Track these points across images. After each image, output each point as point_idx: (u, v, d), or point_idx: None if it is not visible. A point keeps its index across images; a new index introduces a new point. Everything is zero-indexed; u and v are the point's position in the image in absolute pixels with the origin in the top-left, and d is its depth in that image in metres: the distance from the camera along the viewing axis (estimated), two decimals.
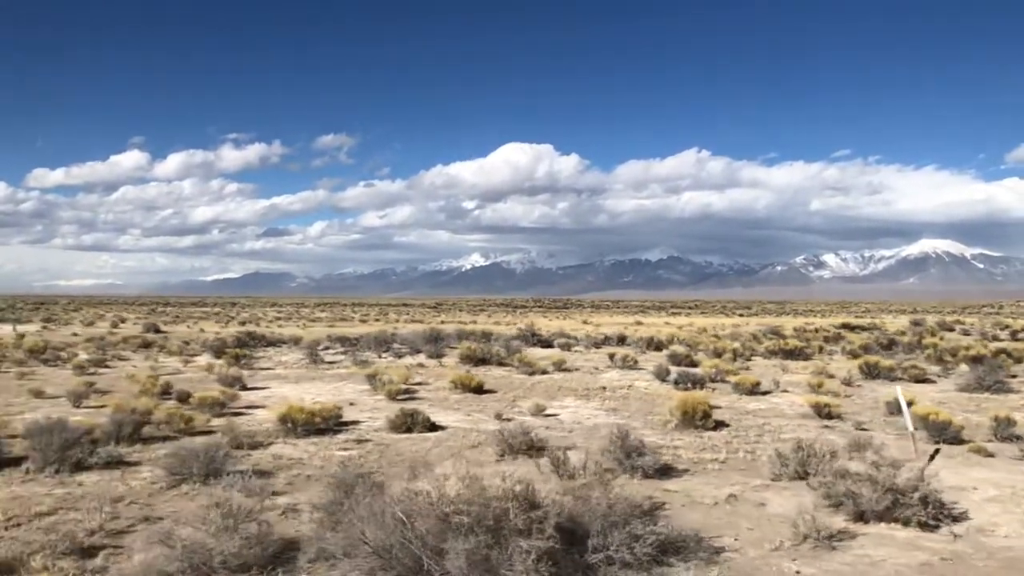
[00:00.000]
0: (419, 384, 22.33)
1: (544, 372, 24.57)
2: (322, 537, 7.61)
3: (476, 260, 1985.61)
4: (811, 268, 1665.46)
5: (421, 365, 26.61)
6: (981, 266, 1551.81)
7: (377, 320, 78.26)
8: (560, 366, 25.47)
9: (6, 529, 8.62)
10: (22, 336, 46.00)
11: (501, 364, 26.16)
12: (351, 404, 19.07)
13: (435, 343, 30.38)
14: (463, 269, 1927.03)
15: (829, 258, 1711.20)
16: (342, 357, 29.63)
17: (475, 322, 75.26)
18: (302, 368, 26.72)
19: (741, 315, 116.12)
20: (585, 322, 74.82)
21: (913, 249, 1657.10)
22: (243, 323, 64.37)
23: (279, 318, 79.55)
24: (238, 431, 14.31)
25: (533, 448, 13.14)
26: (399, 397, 19.72)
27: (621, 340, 36.45)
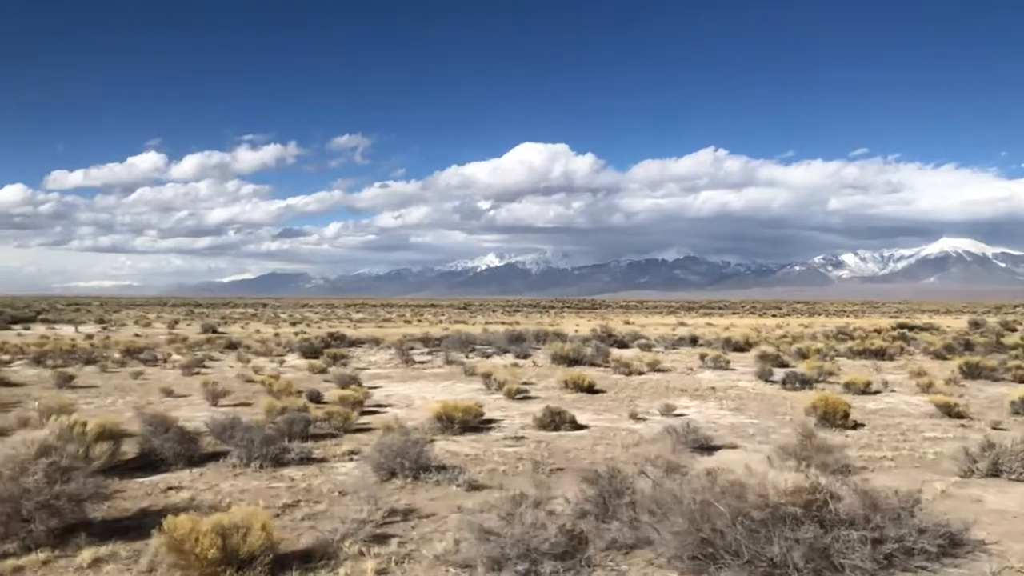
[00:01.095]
0: (527, 384, 22.74)
1: (640, 372, 24.90)
2: (605, 528, 7.99)
3: (491, 260, 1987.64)
4: (830, 268, 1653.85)
5: (515, 365, 27.03)
6: (1003, 265, 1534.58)
7: (419, 321, 78.87)
8: (655, 366, 25.79)
9: (277, 517, 9.07)
10: (91, 336, 46.99)
11: (593, 365, 26.52)
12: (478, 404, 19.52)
13: (519, 343, 30.80)
14: (478, 269, 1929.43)
15: (848, 257, 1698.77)
16: (429, 357, 30.12)
17: (517, 323, 75.70)
18: (397, 368, 27.21)
19: (773, 316, 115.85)
20: (627, 323, 75.02)
21: (933, 248, 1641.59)
22: (294, 323, 65.12)
23: (322, 319, 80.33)
24: (399, 428, 14.76)
25: (705, 447, 13.54)
26: (517, 396, 20.14)
27: (693, 341, 36.72)
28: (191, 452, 12.61)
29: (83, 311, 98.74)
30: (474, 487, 10.84)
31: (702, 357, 27.49)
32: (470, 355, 30.38)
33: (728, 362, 26.60)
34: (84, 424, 11.94)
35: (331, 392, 19.36)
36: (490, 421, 16.75)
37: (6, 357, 28.56)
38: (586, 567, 7.25)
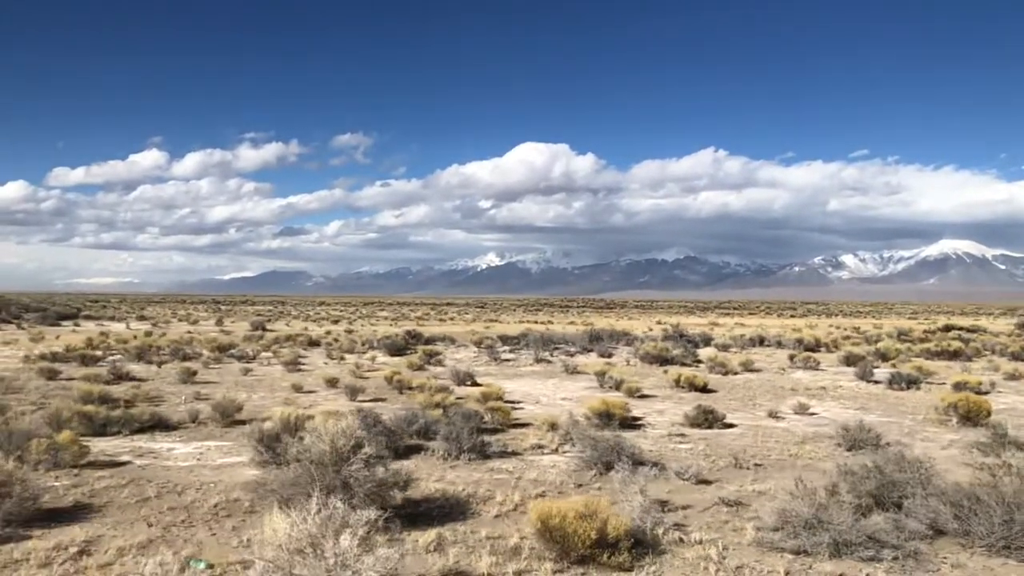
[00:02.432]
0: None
1: (735, 372, 25.37)
2: (893, 517, 8.48)
3: (491, 260, 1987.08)
4: (829, 269, 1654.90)
5: (608, 364, 27.50)
6: (1003, 267, 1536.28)
7: (450, 320, 79.27)
8: (747, 367, 26.27)
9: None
10: (148, 334, 47.37)
11: (683, 364, 26.99)
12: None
13: (598, 343, 31.31)
14: (479, 269, 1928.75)
15: (847, 259, 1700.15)
16: (513, 355, 30.60)
17: (551, 322, 76.15)
18: (488, 365, 27.66)
19: (792, 316, 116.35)
20: (659, 322, 75.46)
21: (933, 250, 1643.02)
22: (335, 321, 65.55)
23: (357, 317, 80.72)
24: (572, 424, 15.24)
25: (876, 444, 14.02)
26: (637, 395, 20.62)
27: (760, 342, 37.23)
28: (396, 445, 13.12)
29: (110, 308, 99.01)
30: (701, 481, 11.32)
31: (791, 358, 27.97)
32: (554, 353, 30.82)
33: (818, 363, 27.07)
34: (311, 418, 12.40)
35: (484, 388, 19.82)
36: (635, 419, 17.22)
37: (99, 353, 28.95)
38: (911, 554, 7.72)
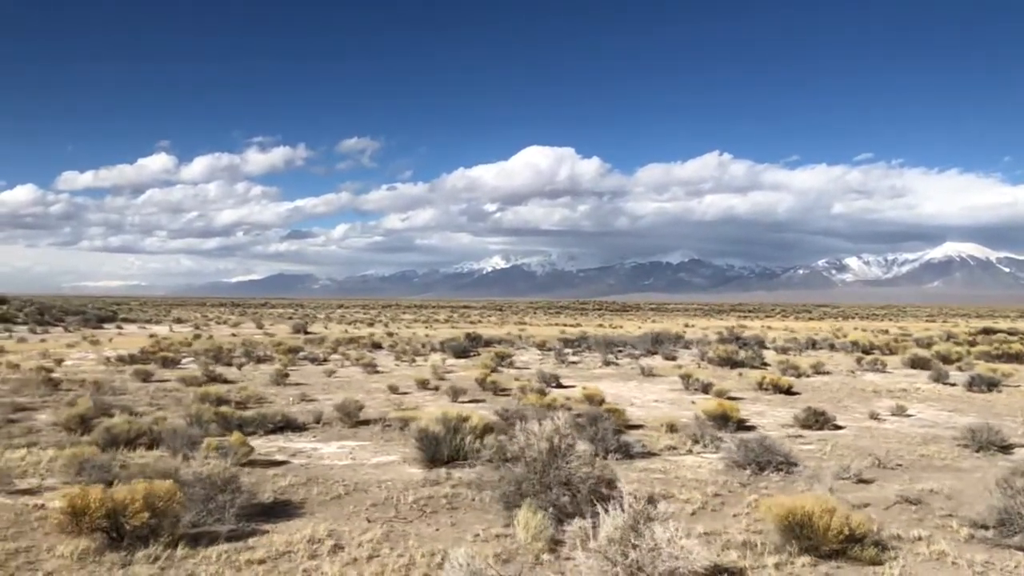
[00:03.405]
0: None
1: (807, 375, 25.70)
2: None
3: (497, 263, 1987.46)
4: (834, 272, 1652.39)
5: (678, 367, 27.86)
6: (1007, 270, 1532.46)
7: (478, 322, 79.70)
8: (818, 369, 26.60)
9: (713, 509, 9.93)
10: (196, 336, 47.83)
11: (752, 367, 27.33)
12: (693, 403, 20.41)
13: (659, 345, 31.70)
14: (484, 272, 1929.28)
15: (852, 261, 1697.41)
16: (577, 358, 30.99)
17: (579, 324, 76.53)
18: (558, 368, 28.03)
19: (810, 319, 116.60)
20: (687, 326, 75.77)
21: (937, 253, 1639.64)
22: (370, 324, 65.97)
23: (386, 320, 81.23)
24: (701, 425, 15.62)
25: (1001, 446, 14.38)
26: (726, 398, 20.97)
27: (813, 344, 37.60)
28: None
29: (136, 311, 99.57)
30: (861, 480, 11.68)
31: (858, 360, 28.30)
32: (618, 356, 31.18)
33: (885, 365, 27.41)
34: (466, 419, 12.81)
35: (584, 391, 20.18)
36: (741, 421, 17.57)
37: (172, 355, 29.38)
38: None
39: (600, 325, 75.19)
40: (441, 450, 12.49)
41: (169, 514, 8.13)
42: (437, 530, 9.05)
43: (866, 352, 33.05)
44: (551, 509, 8.68)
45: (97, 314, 62.26)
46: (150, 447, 13.78)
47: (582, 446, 9.72)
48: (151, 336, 46.00)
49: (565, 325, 76.13)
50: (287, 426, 15.95)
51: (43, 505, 10.07)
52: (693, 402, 20.50)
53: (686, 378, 22.39)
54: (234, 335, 49.79)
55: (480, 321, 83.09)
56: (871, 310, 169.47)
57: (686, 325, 76.49)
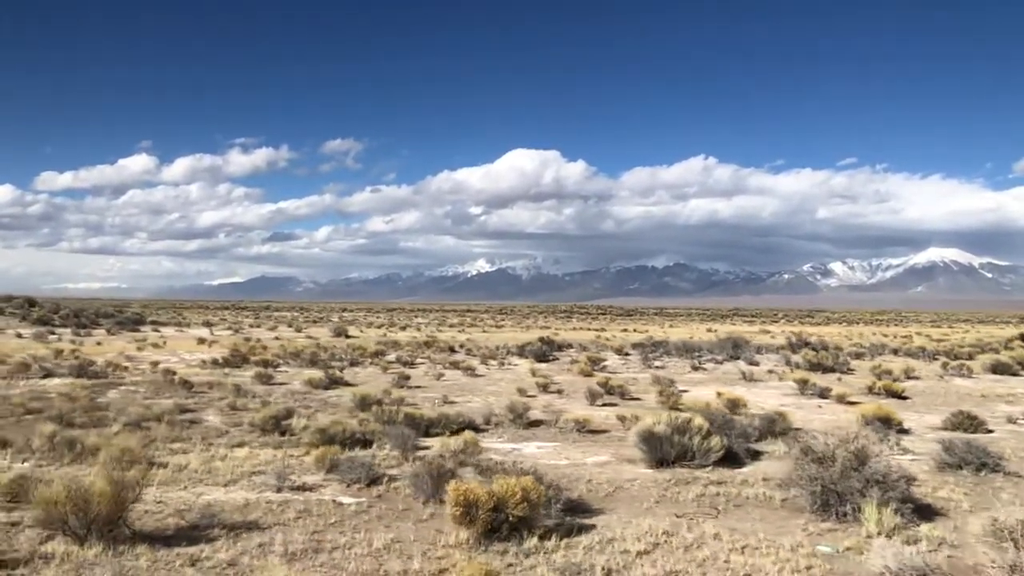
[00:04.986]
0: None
1: (899, 380, 26.39)
2: None
3: (482, 266, 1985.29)
4: (818, 276, 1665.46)
5: (771, 371, 28.47)
6: (989, 275, 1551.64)
7: (499, 327, 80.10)
8: (908, 374, 27.29)
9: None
10: (247, 340, 47.86)
11: (842, 372, 27.96)
12: (818, 407, 21.06)
13: (739, 349, 32.36)
14: (469, 275, 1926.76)
15: (836, 266, 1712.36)
16: (660, 363, 31.56)
17: (603, 329, 77.11)
18: (644, 372, 28.58)
19: (817, 324, 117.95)
20: (710, 330, 76.58)
21: (921, 258, 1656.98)
22: (403, 328, 66.21)
23: (404, 324, 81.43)
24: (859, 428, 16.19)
25: None
26: (847, 401, 21.61)
27: (895, 351, 38.42)
28: (748, 448, 14.07)
29: (153, 314, 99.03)
30: None
31: (944, 366, 29.00)
32: (701, 361, 31.73)
33: (971, 370, 28.14)
34: (689, 420, 13.31)
35: (726, 396, 20.68)
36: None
37: (270, 357, 29.66)
38: None
39: (624, 330, 75.86)
40: (667, 450, 13.00)
41: (538, 507, 8.61)
42: (751, 524, 9.52)
43: (932, 357, 33.84)
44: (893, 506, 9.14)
45: (129, 318, 62.14)
46: (364, 446, 14.21)
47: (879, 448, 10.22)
48: (200, 340, 46.07)
49: (588, 330, 76.69)
50: (468, 427, 16.39)
51: (338, 501, 10.53)
52: (820, 407, 21.10)
53: (802, 383, 22.96)
54: (277, 338, 49.87)
55: (502, 326, 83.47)
56: (875, 316, 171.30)
57: (708, 330, 77.30)
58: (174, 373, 23.59)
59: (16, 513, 9.59)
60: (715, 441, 12.98)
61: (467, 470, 11.10)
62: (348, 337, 53.43)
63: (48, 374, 23.49)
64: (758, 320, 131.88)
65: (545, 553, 8.10)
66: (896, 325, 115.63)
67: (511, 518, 8.35)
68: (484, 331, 66.61)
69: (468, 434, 13.35)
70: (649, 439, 13.09)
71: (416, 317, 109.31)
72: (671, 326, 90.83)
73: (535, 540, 8.37)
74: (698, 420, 13.28)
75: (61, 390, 20.64)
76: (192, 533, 8.85)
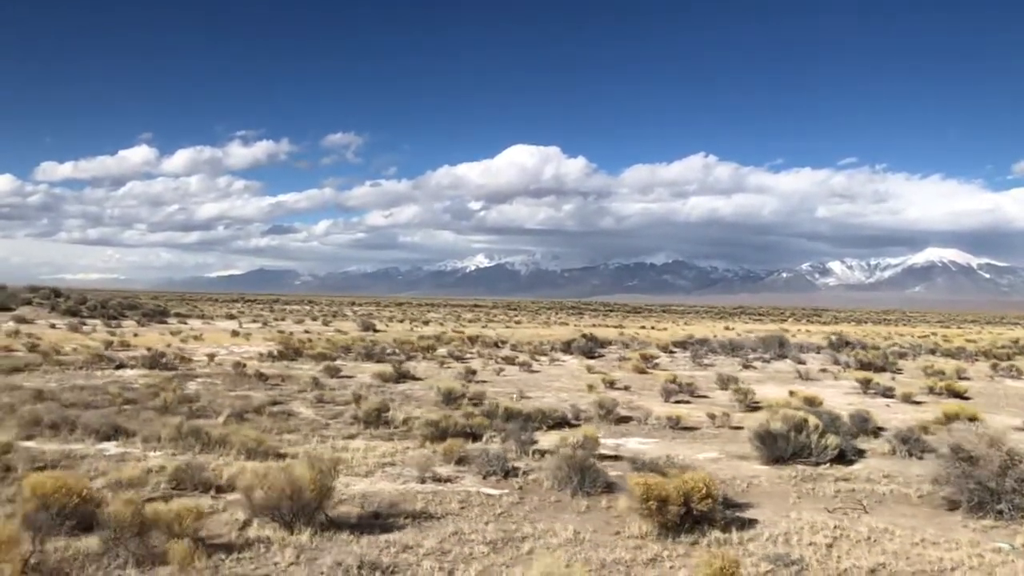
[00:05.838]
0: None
1: (952, 380, 26.71)
2: None
3: (480, 261, 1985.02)
4: (817, 275, 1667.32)
5: (823, 370, 28.75)
6: (987, 276, 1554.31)
7: (516, 323, 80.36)
8: (960, 374, 27.58)
9: None
10: (281, 331, 48.11)
11: (893, 371, 28.25)
12: (886, 406, 21.36)
13: (784, 348, 32.71)
14: (468, 270, 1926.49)
15: (835, 265, 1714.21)
16: (708, 360, 31.90)
17: (621, 326, 77.42)
18: (693, 370, 28.86)
19: (825, 323, 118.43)
20: (727, 328, 76.89)
21: (919, 258, 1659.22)
22: (426, 323, 66.52)
23: (413, 319, 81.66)
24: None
25: None
26: (912, 400, 21.94)
27: (932, 351, 38.83)
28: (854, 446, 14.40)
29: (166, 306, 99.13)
30: None
31: (993, 367, 29.35)
32: (749, 359, 31.99)
33: (1020, 371, 28.48)
34: (806, 420, 13.61)
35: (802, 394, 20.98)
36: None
37: (324, 351, 29.91)
38: None
39: (642, 327, 76.13)
40: (782, 447, 13.30)
41: (717, 501, 8.91)
42: (907, 520, 9.80)
43: (973, 358, 34.21)
44: None
45: (153, 309, 62.38)
46: (473, 439, 14.50)
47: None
48: (233, 333, 46.29)
49: (606, 326, 76.96)
50: (563, 421, 16.69)
51: (486, 492, 10.82)
52: (888, 406, 21.40)
53: (864, 382, 23.27)
54: (307, 332, 50.07)
55: (519, 322, 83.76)
56: (882, 316, 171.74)
57: (727, 328, 77.58)
58: (243, 365, 23.83)
59: (185, 499, 9.85)
60: (831, 439, 13.29)
61: (606, 464, 11.41)
62: (376, 331, 53.67)
63: (120, 365, 23.74)
64: (767, 319, 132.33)
65: (737, 544, 8.40)
66: (904, 325, 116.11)
67: (695, 512, 8.65)
68: (506, 327, 66.89)
69: (588, 428, 13.64)
70: (765, 436, 13.40)
71: (429, 312, 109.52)
72: (685, 324, 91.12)
73: (717, 532, 8.68)
74: (813, 419, 13.58)
75: (143, 382, 20.91)
76: (376, 521, 9.14)
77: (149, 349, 27.37)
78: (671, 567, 7.75)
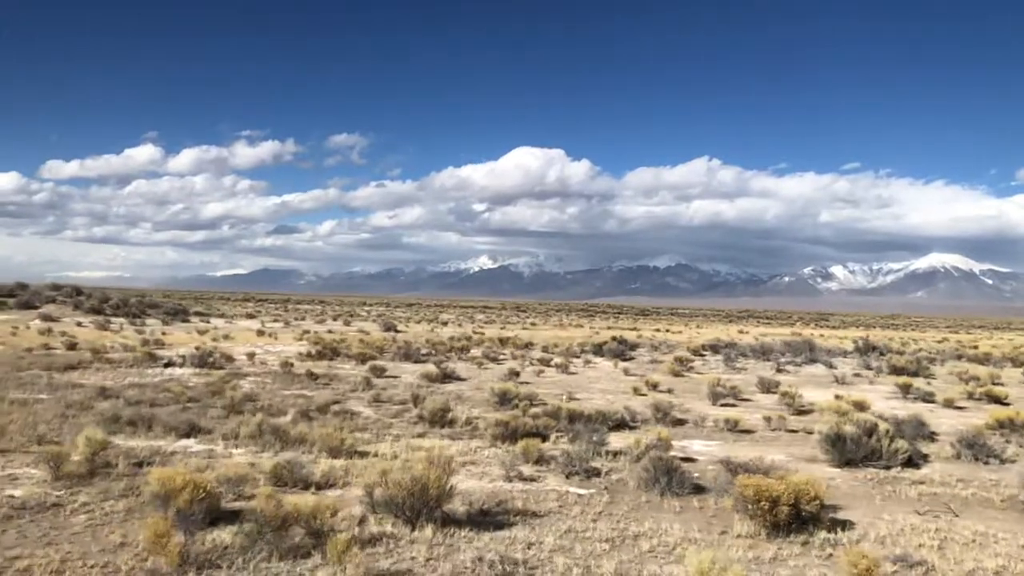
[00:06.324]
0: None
1: (983, 384, 26.88)
2: None
3: (484, 263, 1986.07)
4: (819, 280, 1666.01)
5: (857, 375, 28.92)
6: (990, 282, 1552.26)
7: (532, 325, 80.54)
8: (993, 379, 27.77)
9: None
10: (305, 331, 48.27)
11: (927, 376, 28.41)
12: (930, 411, 21.51)
13: (812, 353, 32.89)
14: (471, 271, 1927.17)
15: (837, 270, 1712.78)
16: (742, 365, 32.10)
17: (637, 328, 77.56)
18: (728, 374, 29.04)
19: (832, 327, 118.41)
20: (741, 331, 77.02)
21: (922, 263, 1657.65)
22: (444, 324, 66.74)
23: (426, 320, 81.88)
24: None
25: None
26: (954, 406, 22.11)
27: (958, 357, 39.01)
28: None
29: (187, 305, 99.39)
30: None
31: None
32: (781, 363, 32.18)
33: None
34: (876, 424, 13.81)
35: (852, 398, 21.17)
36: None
37: (369, 352, 30.12)
38: None
39: (657, 330, 76.27)
40: (853, 451, 13.49)
41: (823, 503, 9.12)
42: (1001, 524, 9.99)
43: (999, 363, 34.33)
44: None
45: (174, 307, 62.68)
46: (541, 439, 14.70)
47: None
48: (259, 332, 46.56)
49: (620, 329, 77.11)
50: (622, 424, 16.91)
51: (576, 492, 11.04)
52: (931, 411, 21.56)
53: (904, 387, 23.44)
54: (330, 332, 50.33)
55: (534, 324, 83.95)
56: (888, 320, 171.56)
57: (740, 331, 77.72)
58: (291, 365, 24.08)
59: (290, 496, 10.03)
60: (901, 443, 13.49)
61: (689, 464, 11.60)
62: (397, 332, 53.92)
63: (169, 363, 24.00)
64: (775, 322, 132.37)
65: (848, 545, 8.61)
66: (913, 330, 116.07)
67: (803, 513, 8.86)
68: (523, 328, 67.09)
69: (662, 430, 13.85)
70: (836, 440, 13.60)
71: (441, 313, 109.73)
72: (697, 327, 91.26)
73: (824, 533, 8.89)
74: (883, 424, 13.80)
75: (197, 380, 21.16)
76: (486, 519, 9.36)
77: (197, 348, 27.63)
78: (795, 566, 7.97)
